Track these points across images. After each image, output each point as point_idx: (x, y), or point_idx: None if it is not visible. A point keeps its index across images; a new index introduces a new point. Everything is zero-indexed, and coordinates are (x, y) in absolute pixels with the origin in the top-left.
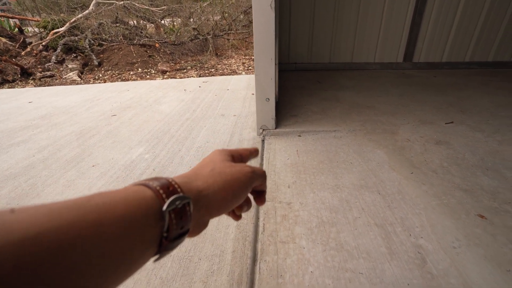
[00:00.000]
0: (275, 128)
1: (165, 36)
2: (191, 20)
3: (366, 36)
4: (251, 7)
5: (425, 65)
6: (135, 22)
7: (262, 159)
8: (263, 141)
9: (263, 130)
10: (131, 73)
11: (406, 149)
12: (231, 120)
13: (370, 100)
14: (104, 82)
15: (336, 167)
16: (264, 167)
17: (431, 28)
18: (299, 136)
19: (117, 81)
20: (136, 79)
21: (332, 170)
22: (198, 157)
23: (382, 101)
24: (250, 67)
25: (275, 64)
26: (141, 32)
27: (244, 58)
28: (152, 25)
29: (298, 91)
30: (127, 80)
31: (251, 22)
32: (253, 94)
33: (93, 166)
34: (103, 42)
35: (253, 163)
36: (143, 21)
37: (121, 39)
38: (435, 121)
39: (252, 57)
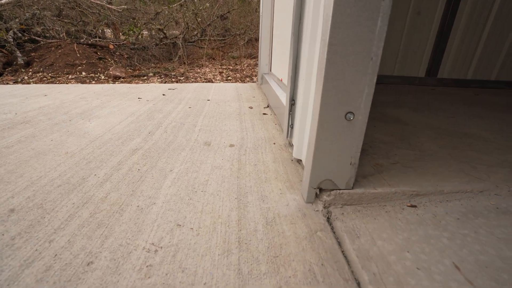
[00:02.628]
0: (352, 188)
1: (123, 38)
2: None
3: (385, 46)
4: (228, 12)
5: (451, 81)
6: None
7: None
8: (329, 223)
9: (321, 191)
10: (70, 77)
11: None
12: (227, 156)
13: (449, 123)
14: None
15: None
16: None
17: (457, 43)
18: (412, 206)
19: (49, 84)
20: (77, 84)
21: None
22: None
23: (468, 125)
24: (229, 78)
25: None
26: (92, 31)
27: (221, 68)
28: (109, 29)
29: None
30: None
31: (226, 30)
32: (250, 107)
33: None
34: (37, 38)
35: None
36: (96, 20)
37: (63, 36)
38: None
39: (231, 67)
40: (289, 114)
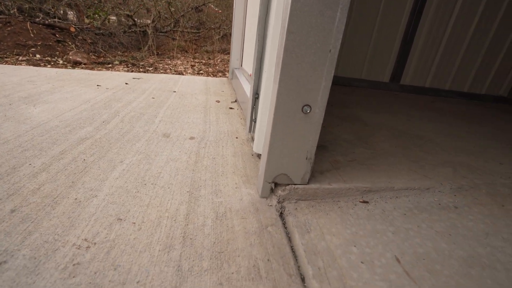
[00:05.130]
0: (307, 183)
1: (88, 22)
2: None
3: (355, 50)
4: (203, 4)
5: (411, 88)
6: None
7: None
8: (282, 218)
9: (276, 185)
10: (21, 58)
11: None
12: (185, 148)
13: (404, 125)
14: None
15: None
16: None
17: (418, 52)
18: (364, 202)
19: None
20: (28, 66)
21: None
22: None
23: (422, 127)
24: (201, 71)
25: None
26: (51, 9)
27: (194, 61)
28: (72, 11)
29: None
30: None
31: (201, 23)
32: (218, 101)
33: None
34: None
35: None
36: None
37: (14, 12)
38: None
39: (204, 61)
40: (253, 108)
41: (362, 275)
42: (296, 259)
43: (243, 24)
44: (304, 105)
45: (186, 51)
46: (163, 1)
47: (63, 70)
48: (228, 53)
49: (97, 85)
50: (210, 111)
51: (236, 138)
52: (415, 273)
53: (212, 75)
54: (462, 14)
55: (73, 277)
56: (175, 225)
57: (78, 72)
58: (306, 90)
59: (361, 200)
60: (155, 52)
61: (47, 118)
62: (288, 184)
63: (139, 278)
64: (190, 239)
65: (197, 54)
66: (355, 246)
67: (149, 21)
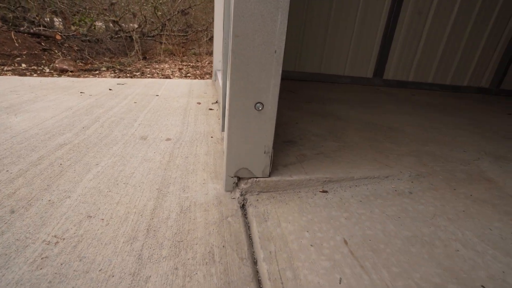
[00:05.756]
0: (269, 176)
1: (74, 29)
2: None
3: (336, 47)
4: (189, 7)
5: (395, 82)
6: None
7: (259, 282)
8: (243, 209)
9: (239, 179)
10: (6, 68)
11: None
12: (160, 149)
13: (379, 118)
14: None
15: None
16: None
17: (399, 47)
18: (323, 192)
19: None
20: (13, 76)
21: None
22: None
23: (396, 120)
24: (188, 74)
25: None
26: (35, 18)
27: (182, 64)
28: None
29: None
30: None
31: (189, 26)
32: (199, 103)
33: None
34: None
35: None
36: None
37: None
38: (507, 154)
39: (192, 64)
40: (224, 107)
41: (310, 256)
42: (252, 246)
43: (222, 26)
44: (257, 103)
45: (174, 55)
46: (149, 6)
47: (48, 78)
48: None
49: (81, 92)
50: (190, 113)
51: (211, 137)
52: (359, 253)
53: (199, 77)
54: (441, 7)
55: (41, 269)
56: (141, 219)
57: (63, 80)
58: (257, 89)
59: (321, 190)
60: (141, 57)
61: (27, 126)
62: (250, 178)
63: (101, 266)
64: (154, 231)
65: (185, 57)
66: (307, 231)
67: (135, 26)
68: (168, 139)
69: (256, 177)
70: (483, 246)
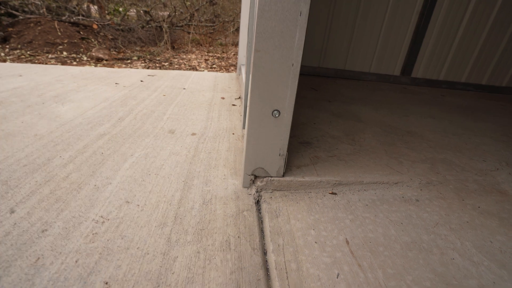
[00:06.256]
0: (283, 176)
1: (108, 18)
2: (145, 4)
3: (363, 44)
4: None
5: (423, 81)
6: None
7: (267, 270)
8: (258, 205)
9: (256, 177)
10: (50, 56)
11: None
12: (186, 143)
13: (400, 122)
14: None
15: None
16: None
17: (432, 44)
18: (332, 194)
19: (26, 64)
20: (56, 65)
21: None
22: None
23: (418, 124)
24: (214, 66)
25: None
26: (75, 8)
27: (208, 55)
28: (94, 6)
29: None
30: (41, 64)
31: (216, 16)
32: (223, 98)
33: None
34: (14, 12)
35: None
36: None
37: (43, 11)
38: None
39: (218, 55)
40: (245, 107)
41: (313, 252)
42: (263, 238)
43: (247, 23)
44: (274, 110)
45: (201, 45)
46: None
47: (87, 68)
48: None
49: (116, 83)
50: (214, 108)
51: (233, 134)
52: (358, 253)
53: (224, 69)
54: (481, 2)
55: (92, 242)
56: (170, 208)
57: (99, 70)
58: (275, 98)
59: (330, 192)
60: (169, 47)
61: (73, 115)
62: (265, 177)
63: (139, 245)
64: (180, 218)
65: (212, 47)
66: (313, 229)
67: (165, 15)
68: (193, 134)
69: (271, 177)
70: (480, 257)
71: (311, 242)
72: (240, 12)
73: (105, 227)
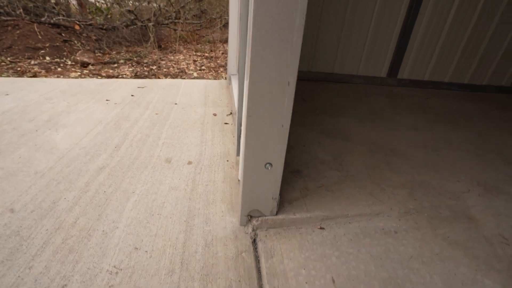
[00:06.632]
0: (276, 214)
1: (90, 17)
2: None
3: (351, 45)
4: None
5: (409, 82)
6: None
7: None
8: (254, 244)
9: (251, 217)
10: (33, 62)
11: None
12: (184, 175)
13: (386, 137)
14: None
15: None
16: None
17: (418, 43)
18: (321, 229)
19: (8, 72)
20: (40, 72)
21: None
22: None
23: (401, 138)
24: (203, 67)
25: (290, 90)
26: (54, 8)
27: (196, 55)
28: (74, 2)
29: None
30: (24, 72)
31: (203, 12)
32: (215, 114)
33: None
34: None
35: None
36: None
37: (20, 12)
38: (499, 184)
39: (206, 54)
40: (239, 137)
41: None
42: (261, 279)
43: (237, 31)
44: (266, 163)
45: (189, 42)
46: None
47: (74, 81)
48: None
49: (106, 100)
50: (207, 127)
51: (227, 161)
52: None
53: (213, 71)
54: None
55: None
56: (175, 253)
57: (88, 82)
58: (267, 153)
59: (319, 227)
60: (156, 46)
61: (69, 145)
62: (260, 216)
63: None
64: (186, 264)
65: (199, 45)
66: (304, 269)
67: (150, 14)
68: (189, 163)
69: (265, 216)
70: None
71: (302, 282)
72: (228, 9)
73: (119, 278)
